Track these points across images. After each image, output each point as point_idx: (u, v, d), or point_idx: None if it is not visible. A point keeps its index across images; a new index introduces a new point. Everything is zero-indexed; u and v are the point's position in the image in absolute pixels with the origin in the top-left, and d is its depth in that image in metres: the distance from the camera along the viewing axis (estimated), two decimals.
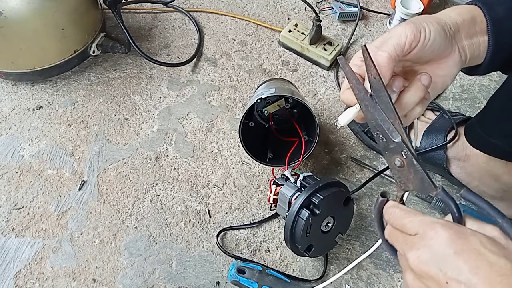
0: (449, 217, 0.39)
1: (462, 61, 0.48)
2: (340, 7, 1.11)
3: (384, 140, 0.42)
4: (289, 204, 0.71)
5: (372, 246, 0.55)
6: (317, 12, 1.00)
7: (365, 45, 0.43)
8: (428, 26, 0.44)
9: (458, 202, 0.39)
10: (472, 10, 0.49)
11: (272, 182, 0.77)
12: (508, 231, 0.35)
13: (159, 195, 0.81)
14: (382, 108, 0.42)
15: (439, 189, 0.39)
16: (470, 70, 0.54)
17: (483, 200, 0.37)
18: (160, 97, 0.95)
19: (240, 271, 0.70)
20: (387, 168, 0.84)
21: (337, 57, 0.50)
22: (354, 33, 1.09)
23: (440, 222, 0.36)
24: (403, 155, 0.40)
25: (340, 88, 0.98)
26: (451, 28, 0.46)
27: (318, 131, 0.75)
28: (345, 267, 0.64)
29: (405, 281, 0.38)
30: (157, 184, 0.83)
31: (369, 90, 0.43)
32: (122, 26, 0.94)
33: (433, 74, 0.47)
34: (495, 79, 1.04)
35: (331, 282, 0.67)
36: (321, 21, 0.97)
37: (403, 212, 0.39)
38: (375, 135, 0.43)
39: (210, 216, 0.80)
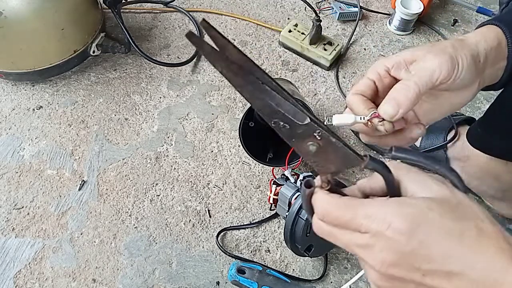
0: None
1: (479, 88, 0.48)
2: (340, 7, 1.11)
3: (288, 126, 0.34)
4: (289, 204, 0.71)
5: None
6: (317, 12, 1.00)
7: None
8: (463, 61, 0.43)
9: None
10: (498, 36, 0.48)
11: (272, 182, 0.77)
12: (450, 178, 0.34)
13: (159, 195, 0.81)
14: (274, 89, 0.33)
15: (366, 159, 0.34)
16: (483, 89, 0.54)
17: (415, 153, 0.34)
18: (160, 97, 0.95)
19: (240, 271, 0.70)
20: None
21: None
22: (354, 33, 1.09)
23: (390, 211, 0.32)
24: (317, 136, 0.34)
25: (340, 88, 0.98)
26: (481, 61, 0.45)
27: None
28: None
29: (370, 279, 0.34)
30: (157, 184, 0.83)
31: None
32: (122, 26, 0.94)
33: (449, 102, 0.47)
34: None
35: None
36: (321, 21, 0.97)
37: (338, 206, 0.34)
38: (273, 125, 0.35)
39: (210, 216, 0.80)
